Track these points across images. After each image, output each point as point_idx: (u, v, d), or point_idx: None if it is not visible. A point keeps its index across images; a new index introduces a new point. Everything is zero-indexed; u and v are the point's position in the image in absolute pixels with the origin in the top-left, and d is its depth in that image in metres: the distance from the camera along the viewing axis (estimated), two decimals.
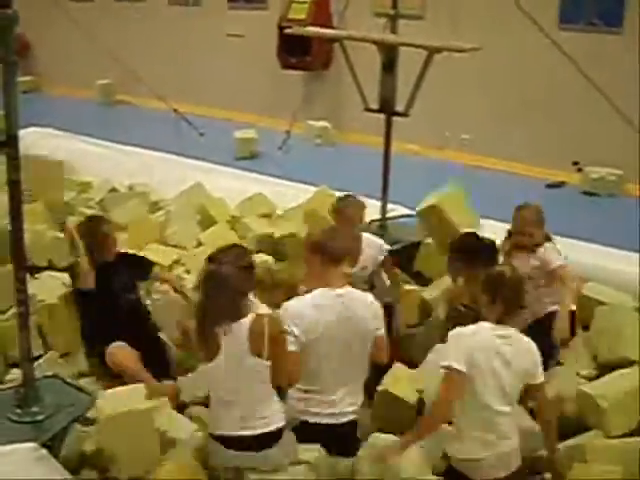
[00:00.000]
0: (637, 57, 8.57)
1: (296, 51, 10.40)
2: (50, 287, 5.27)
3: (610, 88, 7.52)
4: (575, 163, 9.07)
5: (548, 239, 4.73)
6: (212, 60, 12.17)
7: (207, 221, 6.67)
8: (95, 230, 4.93)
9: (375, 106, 6.00)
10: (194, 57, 12.40)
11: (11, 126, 3.73)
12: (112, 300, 4.80)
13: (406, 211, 6.52)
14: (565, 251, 4.83)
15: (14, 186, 3.76)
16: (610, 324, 4.81)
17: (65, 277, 5.24)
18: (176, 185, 7.47)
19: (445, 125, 9.98)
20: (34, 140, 8.43)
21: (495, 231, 5.18)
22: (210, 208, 6.75)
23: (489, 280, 3.63)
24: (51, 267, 5.72)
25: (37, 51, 14.51)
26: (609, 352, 4.68)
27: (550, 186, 8.82)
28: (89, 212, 7.08)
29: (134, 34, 13.05)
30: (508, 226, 4.92)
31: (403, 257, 5.72)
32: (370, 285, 4.89)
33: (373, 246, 4.99)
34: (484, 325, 3.53)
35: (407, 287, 5.60)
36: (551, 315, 4.49)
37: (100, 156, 8.62)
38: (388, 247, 5.10)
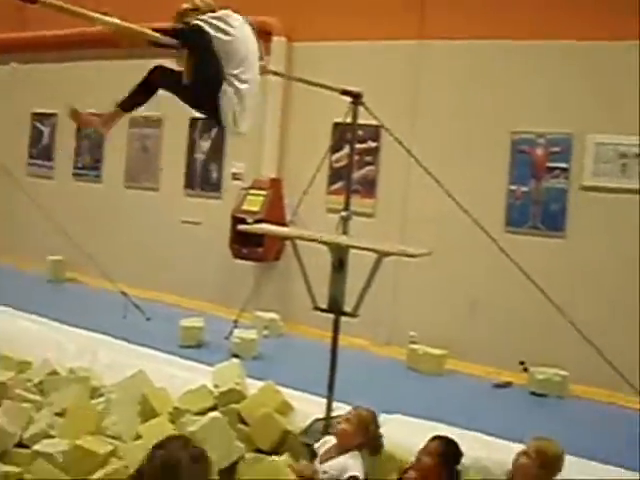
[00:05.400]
0: (577, 260, 8.94)
1: (248, 242, 10.45)
2: None
3: (552, 289, 7.68)
4: (521, 363, 9.10)
5: None
6: (165, 245, 12.27)
7: (148, 412, 6.48)
8: None
9: (324, 304, 6.03)
10: (147, 241, 12.49)
11: None
12: None
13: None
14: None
15: None
16: None
17: None
18: (119, 371, 7.32)
19: (392, 322, 10.05)
20: None
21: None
22: (152, 399, 6.57)
23: None
24: None
25: None
26: None
27: (497, 386, 8.80)
28: (27, 395, 6.91)
29: (90, 214, 13.17)
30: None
31: None
32: None
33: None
34: None
35: None
36: None
37: (42, 335, 8.45)
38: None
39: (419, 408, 6.91)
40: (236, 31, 4.69)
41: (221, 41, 4.61)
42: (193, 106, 4.96)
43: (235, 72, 4.60)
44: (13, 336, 8.32)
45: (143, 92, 4.86)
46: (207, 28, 4.62)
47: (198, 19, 4.72)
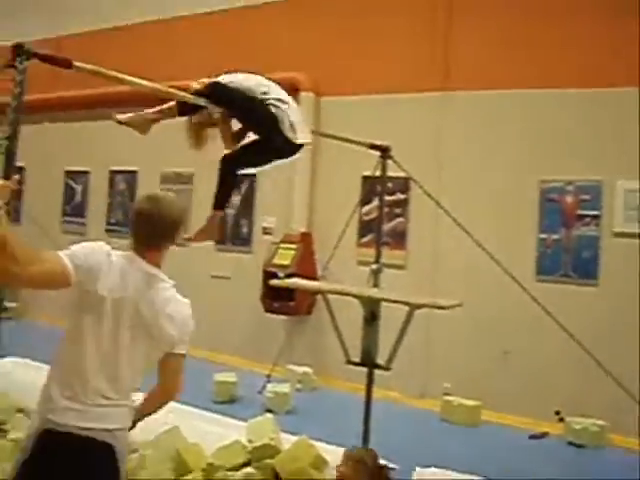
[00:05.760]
0: (610, 308, 8.83)
1: (280, 296, 10.46)
2: None
3: (586, 338, 7.61)
4: (557, 413, 8.99)
5: None
6: (196, 300, 12.21)
7: (182, 468, 6.45)
8: None
9: (357, 357, 6.02)
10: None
11: None
12: None
13: (384, 463, 6.36)
14: None
15: None
16: None
17: None
18: (153, 427, 7.29)
19: (425, 373, 9.98)
20: (10, 370, 8.39)
21: None
22: (185, 455, 6.55)
23: None
24: None
25: None
26: None
27: (533, 437, 8.68)
28: None
29: None
30: None
31: None
32: None
33: None
34: None
35: None
36: None
37: None
38: None
39: (455, 461, 6.83)
40: (239, 75, 5.15)
41: (237, 84, 5.05)
42: (268, 152, 5.19)
43: (263, 90, 5.02)
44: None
45: (227, 185, 5.34)
46: (221, 81, 5.10)
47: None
